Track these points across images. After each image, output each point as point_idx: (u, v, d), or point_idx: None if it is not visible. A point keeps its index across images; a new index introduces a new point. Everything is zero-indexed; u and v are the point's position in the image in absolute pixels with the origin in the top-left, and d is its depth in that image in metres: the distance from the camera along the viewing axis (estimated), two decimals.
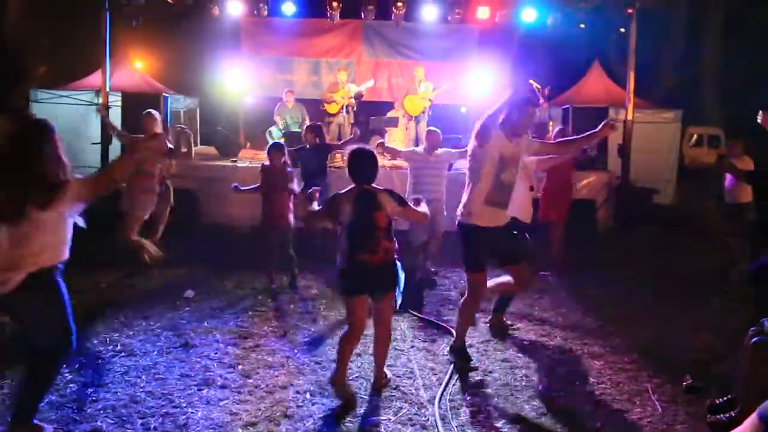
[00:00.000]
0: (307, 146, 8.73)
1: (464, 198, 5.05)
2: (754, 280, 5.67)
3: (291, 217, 7.24)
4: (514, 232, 5.21)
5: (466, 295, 5.16)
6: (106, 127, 7.78)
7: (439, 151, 7.86)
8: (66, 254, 3.74)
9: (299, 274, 7.54)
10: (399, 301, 4.59)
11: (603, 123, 5.17)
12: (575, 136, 5.69)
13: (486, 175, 4.86)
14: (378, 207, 4.32)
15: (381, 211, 4.33)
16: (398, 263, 4.51)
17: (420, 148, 8.08)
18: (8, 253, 3.51)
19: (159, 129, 7.75)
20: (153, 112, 7.82)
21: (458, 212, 5.10)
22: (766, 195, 6.35)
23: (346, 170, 4.50)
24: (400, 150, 8.42)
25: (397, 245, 4.48)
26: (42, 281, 3.60)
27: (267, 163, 7.34)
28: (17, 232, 3.51)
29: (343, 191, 4.43)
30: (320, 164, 8.62)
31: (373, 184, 4.43)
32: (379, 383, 4.69)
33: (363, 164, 4.43)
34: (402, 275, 4.53)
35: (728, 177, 8.67)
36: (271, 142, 12.78)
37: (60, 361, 3.90)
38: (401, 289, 4.54)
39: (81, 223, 3.84)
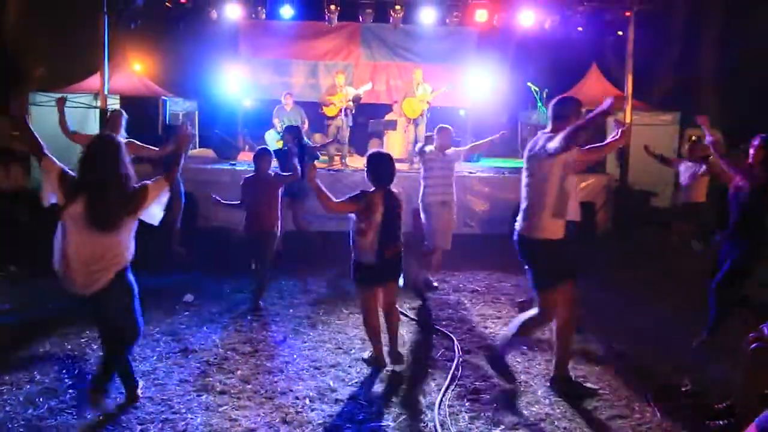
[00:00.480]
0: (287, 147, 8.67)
1: (527, 213, 4.71)
2: (719, 292, 5.72)
3: (279, 225, 6.87)
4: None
5: (540, 315, 4.76)
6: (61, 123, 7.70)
7: (450, 150, 7.67)
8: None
9: (299, 278, 7.55)
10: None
11: (620, 131, 5.10)
12: (599, 144, 5.44)
13: (551, 187, 4.58)
14: (401, 207, 5.06)
15: (402, 210, 5.06)
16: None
17: (430, 148, 7.73)
18: (100, 256, 3.96)
19: (123, 130, 7.66)
20: (121, 110, 7.86)
21: (522, 228, 4.75)
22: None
23: (368, 173, 5.00)
24: (424, 150, 7.80)
25: None
26: (124, 279, 4.11)
27: (250, 174, 6.90)
28: (108, 237, 3.97)
29: (371, 191, 4.95)
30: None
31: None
32: (399, 360, 5.20)
33: (387, 167, 5.03)
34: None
35: (684, 175, 8.81)
36: (270, 145, 12.82)
37: (132, 346, 4.44)
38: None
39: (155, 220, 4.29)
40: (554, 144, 4.39)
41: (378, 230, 4.87)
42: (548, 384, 4.89)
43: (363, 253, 4.92)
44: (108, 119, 7.82)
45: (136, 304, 4.25)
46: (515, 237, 4.82)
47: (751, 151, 5.67)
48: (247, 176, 6.90)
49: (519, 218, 4.80)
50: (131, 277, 4.18)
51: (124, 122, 7.75)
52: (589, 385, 4.91)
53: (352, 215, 4.98)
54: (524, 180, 4.77)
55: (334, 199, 4.91)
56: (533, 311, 4.81)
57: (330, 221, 8.93)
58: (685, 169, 9.80)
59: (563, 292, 4.70)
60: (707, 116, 6.32)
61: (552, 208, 4.58)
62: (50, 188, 3.97)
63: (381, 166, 5.02)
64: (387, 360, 5.21)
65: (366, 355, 5.34)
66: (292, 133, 8.69)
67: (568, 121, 4.54)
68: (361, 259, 4.97)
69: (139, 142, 7.76)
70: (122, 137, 7.52)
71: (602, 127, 11.63)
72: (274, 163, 7.23)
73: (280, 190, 6.89)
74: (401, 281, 5.28)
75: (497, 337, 5.88)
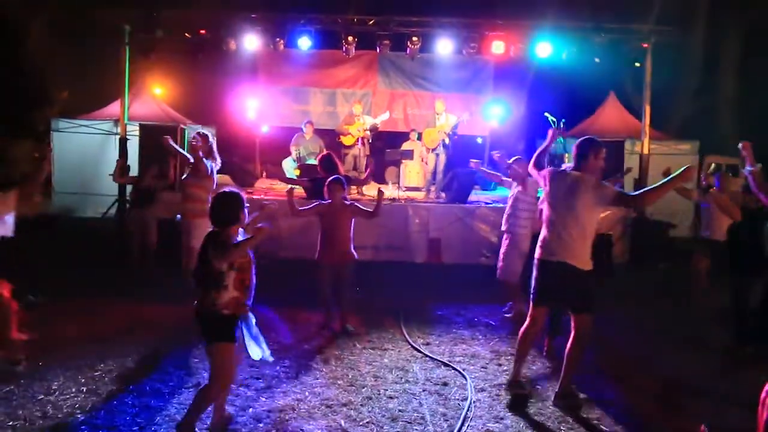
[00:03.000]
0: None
1: (574, 244, 5.06)
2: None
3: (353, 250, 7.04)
4: None
5: (576, 341, 5.18)
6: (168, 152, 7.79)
7: (530, 180, 7.32)
8: None
9: (314, 311, 7.54)
10: None
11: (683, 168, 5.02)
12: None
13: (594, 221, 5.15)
14: None
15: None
16: None
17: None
18: None
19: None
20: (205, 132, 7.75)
21: (569, 257, 5.07)
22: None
23: None
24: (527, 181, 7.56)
25: None
26: None
27: (326, 200, 7.05)
28: None
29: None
30: None
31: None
32: None
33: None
34: None
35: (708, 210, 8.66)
36: (287, 172, 12.90)
37: None
38: None
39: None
40: (616, 194, 5.01)
41: None
42: (561, 425, 4.84)
43: None
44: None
45: None
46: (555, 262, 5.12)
47: None
48: (323, 201, 7.13)
49: (563, 245, 5.09)
50: None
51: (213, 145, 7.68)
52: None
53: None
54: (561, 209, 5.13)
55: None
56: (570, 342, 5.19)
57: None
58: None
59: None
60: (750, 143, 6.14)
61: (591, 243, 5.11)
62: None
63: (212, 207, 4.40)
64: None
65: None
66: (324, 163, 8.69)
67: (589, 161, 5.10)
68: None
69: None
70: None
71: (620, 155, 11.62)
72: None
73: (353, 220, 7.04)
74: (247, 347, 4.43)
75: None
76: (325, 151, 13.07)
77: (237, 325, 4.25)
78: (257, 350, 4.37)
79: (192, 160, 7.46)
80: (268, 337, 6.57)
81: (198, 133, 7.55)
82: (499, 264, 7.73)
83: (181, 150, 8.33)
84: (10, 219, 5.90)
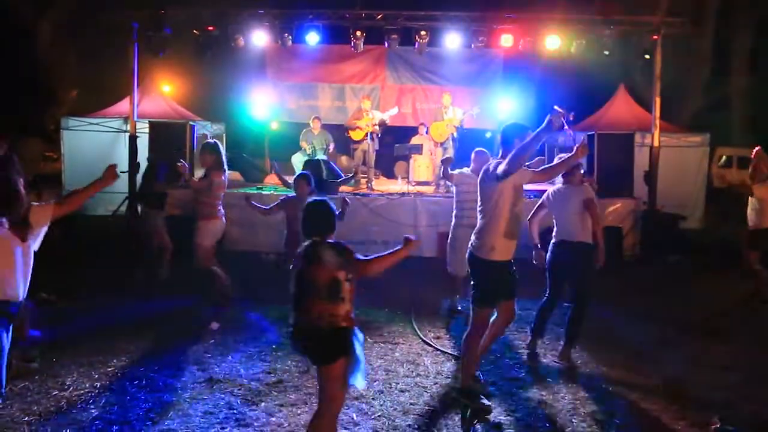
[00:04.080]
0: None
1: (479, 233, 5.01)
2: None
3: None
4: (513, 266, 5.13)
5: (471, 329, 5.11)
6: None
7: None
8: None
9: None
10: None
11: (577, 146, 5.15)
12: (554, 163, 5.72)
13: (503, 208, 4.87)
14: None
15: None
16: None
17: (468, 170, 7.52)
18: None
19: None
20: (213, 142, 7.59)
21: (473, 248, 5.04)
22: None
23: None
24: (452, 173, 7.67)
25: None
26: None
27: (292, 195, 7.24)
28: None
29: None
30: None
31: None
32: None
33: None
34: None
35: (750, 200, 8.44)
36: (296, 168, 12.92)
37: None
38: None
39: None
40: (501, 168, 4.70)
41: None
42: (572, 418, 4.84)
43: None
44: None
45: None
46: (467, 255, 5.12)
47: None
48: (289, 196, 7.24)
49: (473, 237, 5.06)
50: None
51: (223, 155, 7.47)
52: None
53: None
54: (478, 203, 5.09)
55: None
56: (466, 332, 5.13)
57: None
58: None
59: (504, 310, 5.15)
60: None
61: (503, 231, 4.86)
62: None
63: (304, 217, 3.98)
64: None
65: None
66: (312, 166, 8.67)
67: (513, 146, 4.82)
68: None
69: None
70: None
71: (629, 148, 11.57)
72: None
73: None
74: (352, 375, 3.77)
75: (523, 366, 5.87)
76: (333, 145, 13.18)
77: (353, 338, 3.78)
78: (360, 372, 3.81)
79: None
80: (280, 333, 6.65)
81: (205, 145, 7.47)
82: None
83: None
84: None
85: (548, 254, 6.26)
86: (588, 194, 6.15)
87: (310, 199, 4.09)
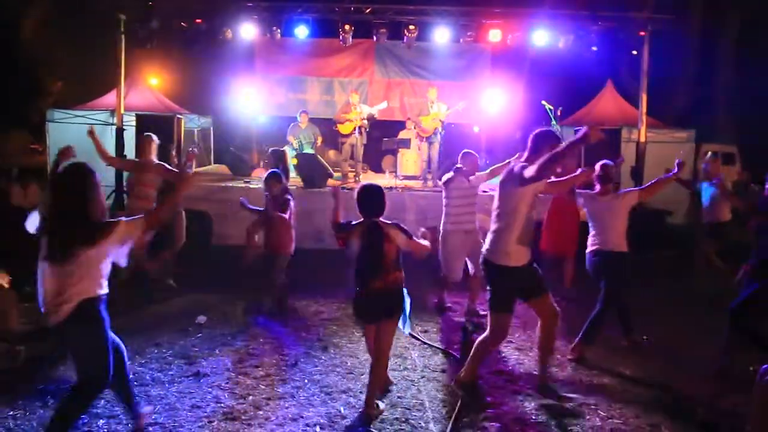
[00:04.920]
0: None
1: (494, 238, 4.88)
2: (734, 317, 5.64)
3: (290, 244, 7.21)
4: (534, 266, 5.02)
5: (487, 334, 4.98)
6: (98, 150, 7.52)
7: (473, 177, 7.32)
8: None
9: (312, 299, 7.57)
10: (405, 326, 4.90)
11: (584, 130, 4.53)
12: (562, 178, 5.62)
13: (522, 213, 4.77)
14: (385, 239, 4.67)
15: (387, 243, 4.68)
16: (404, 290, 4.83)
17: (451, 174, 7.36)
18: (60, 287, 3.78)
19: (154, 153, 7.74)
20: (152, 135, 7.85)
21: (488, 252, 4.94)
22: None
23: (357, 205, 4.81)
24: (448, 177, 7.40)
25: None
26: (89, 310, 3.84)
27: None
28: (67, 268, 3.77)
29: (356, 223, 4.81)
30: None
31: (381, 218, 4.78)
32: (369, 417, 4.72)
33: (372, 200, 4.81)
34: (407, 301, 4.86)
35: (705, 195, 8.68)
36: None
37: (92, 394, 3.99)
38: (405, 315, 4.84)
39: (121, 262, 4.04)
40: (529, 172, 4.54)
41: (357, 263, 4.74)
42: (556, 411, 4.88)
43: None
44: (139, 144, 7.87)
45: (104, 343, 3.92)
46: (482, 260, 5.05)
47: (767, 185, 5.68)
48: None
49: (487, 241, 4.98)
50: (101, 310, 3.91)
51: (155, 146, 7.76)
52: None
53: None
54: (495, 205, 4.97)
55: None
56: (484, 334, 5.04)
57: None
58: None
59: (541, 307, 5.03)
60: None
61: (517, 237, 4.78)
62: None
63: (365, 199, 4.79)
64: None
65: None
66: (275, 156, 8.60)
67: (542, 153, 4.66)
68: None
69: (167, 166, 7.78)
70: (154, 160, 7.63)
71: (616, 143, 11.62)
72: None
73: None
74: (403, 324, 4.83)
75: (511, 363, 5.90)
76: (321, 139, 13.16)
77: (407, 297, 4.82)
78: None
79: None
80: (270, 328, 6.67)
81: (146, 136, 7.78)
82: None
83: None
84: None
85: (590, 264, 6.28)
86: (631, 200, 6.18)
87: (366, 183, 4.95)
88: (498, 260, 4.85)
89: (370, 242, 4.64)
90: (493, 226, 4.93)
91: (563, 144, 4.58)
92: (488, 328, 4.99)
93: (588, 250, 6.35)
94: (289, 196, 7.18)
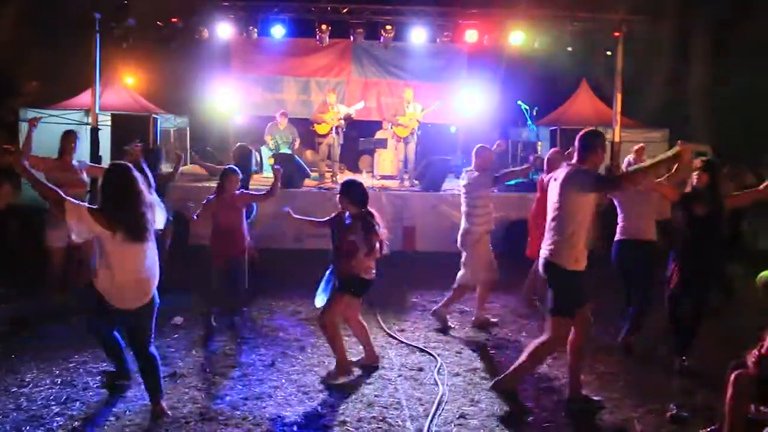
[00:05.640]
0: None
1: (560, 241, 4.77)
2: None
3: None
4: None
5: (549, 339, 4.90)
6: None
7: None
8: None
9: (288, 299, 7.57)
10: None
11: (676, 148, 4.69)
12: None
13: (587, 218, 4.74)
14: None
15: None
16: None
17: (471, 169, 7.04)
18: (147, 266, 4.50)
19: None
20: (74, 131, 7.68)
21: (554, 256, 4.82)
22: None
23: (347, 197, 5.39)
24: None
25: None
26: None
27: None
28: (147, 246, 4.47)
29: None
30: None
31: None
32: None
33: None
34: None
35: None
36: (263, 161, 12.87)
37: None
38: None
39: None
40: (612, 181, 4.96)
41: (369, 247, 5.27)
42: (533, 408, 4.93)
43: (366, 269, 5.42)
44: (62, 142, 7.55)
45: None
46: (543, 264, 4.94)
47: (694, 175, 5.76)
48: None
49: (550, 245, 4.86)
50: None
51: (76, 143, 7.56)
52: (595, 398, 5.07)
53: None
54: (554, 206, 4.84)
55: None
56: (540, 340, 4.99)
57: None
58: None
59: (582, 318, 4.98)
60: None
61: (585, 241, 4.77)
62: (84, 227, 4.17)
63: (362, 190, 5.46)
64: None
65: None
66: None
67: (596, 153, 4.75)
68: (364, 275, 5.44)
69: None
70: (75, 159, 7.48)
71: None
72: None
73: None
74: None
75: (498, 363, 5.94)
76: (299, 140, 13.12)
77: None
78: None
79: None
80: (248, 328, 6.65)
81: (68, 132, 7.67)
82: None
83: None
84: None
85: (615, 254, 6.31)
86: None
87: (348, 179, 5.58)
88: (568, 265, 4.75)
89: (363, 231, 5.24)
90: (556, 229, 4.81)
91: (656, 159, 4.64)
92: (548, 333, 4.90)
93: (617, 239, 6.35)
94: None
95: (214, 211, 6.80)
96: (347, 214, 5.45)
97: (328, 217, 5.67)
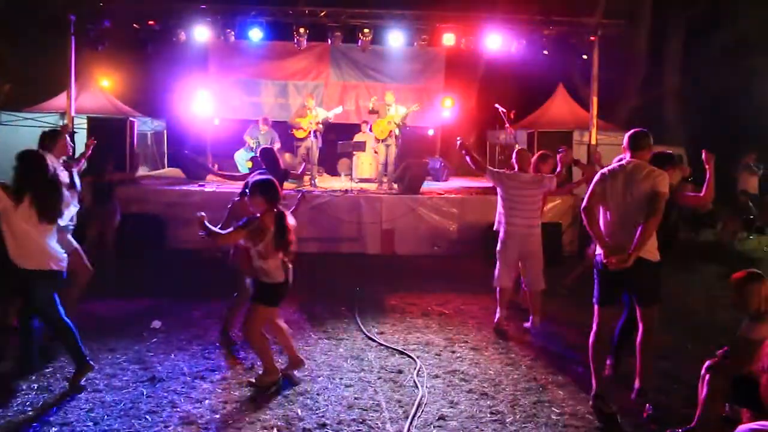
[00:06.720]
0: None
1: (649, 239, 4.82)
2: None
3: None
4: None
5: (645, 332, 5.06)
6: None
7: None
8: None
9: None
10: None
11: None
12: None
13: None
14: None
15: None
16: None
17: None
18: None
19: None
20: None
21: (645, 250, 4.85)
22: None
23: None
24: (497, 171, 7.11)
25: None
26: None
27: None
28: None
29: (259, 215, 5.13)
30: None
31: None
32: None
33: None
34: None
35: None
36: (239, 165, 12.84)
37: None
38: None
39: None
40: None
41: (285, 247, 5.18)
42: (513, 409, 4.97)
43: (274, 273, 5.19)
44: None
45: None
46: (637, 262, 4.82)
47: None
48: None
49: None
50: None
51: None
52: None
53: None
54: (636, 204, 4.88)
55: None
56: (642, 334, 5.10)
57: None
58: None
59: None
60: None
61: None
62: None
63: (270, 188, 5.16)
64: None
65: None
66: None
67: (645, 152, 5.05)
68: (273, 280, 5.21)
69: None
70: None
71: (568, 145, 11.83)
72: None
73: None
74: None
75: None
76: (278, 142, 13.10)
77: None
78: None
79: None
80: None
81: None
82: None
83: None
84: None
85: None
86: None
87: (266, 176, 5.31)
88: (655, 257, 4.92)
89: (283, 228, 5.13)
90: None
91: None
92: (644, 324, 5.07)
93: None
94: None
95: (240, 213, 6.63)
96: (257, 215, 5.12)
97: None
